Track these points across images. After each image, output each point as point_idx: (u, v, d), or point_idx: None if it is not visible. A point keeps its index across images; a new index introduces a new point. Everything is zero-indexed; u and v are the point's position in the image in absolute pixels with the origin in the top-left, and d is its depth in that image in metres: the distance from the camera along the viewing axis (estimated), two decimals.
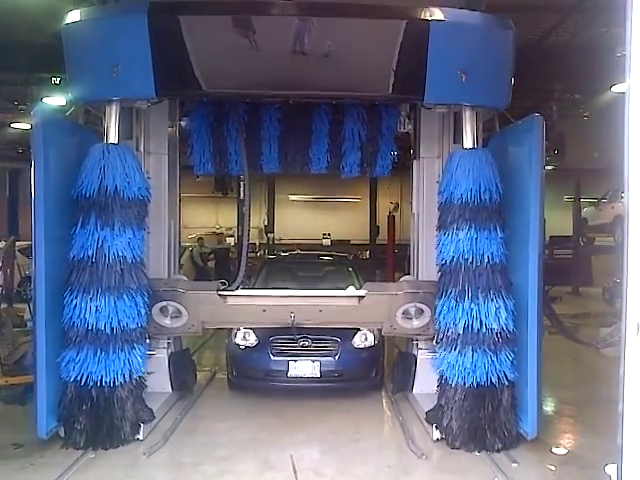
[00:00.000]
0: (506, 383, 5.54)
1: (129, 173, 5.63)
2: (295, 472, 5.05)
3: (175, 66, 5.49)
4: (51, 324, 5.38)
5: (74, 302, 5.43)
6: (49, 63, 10.05)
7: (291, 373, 6.86)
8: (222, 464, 5.22)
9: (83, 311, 5.40)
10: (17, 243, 13.52)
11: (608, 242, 15.87)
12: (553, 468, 5.21)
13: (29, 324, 9.57)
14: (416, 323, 6.42)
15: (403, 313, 6.41)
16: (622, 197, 2.79)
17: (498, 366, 5.49)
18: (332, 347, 7.00)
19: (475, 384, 5.49)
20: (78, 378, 5.42)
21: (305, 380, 6.91)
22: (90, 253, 5.44)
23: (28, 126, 16.00)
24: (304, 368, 6.87)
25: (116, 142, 5.72)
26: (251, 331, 7.16)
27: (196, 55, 5.43)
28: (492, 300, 5.48)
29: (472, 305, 5.49)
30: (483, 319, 5.46)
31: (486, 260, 5.53)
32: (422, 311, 6.36)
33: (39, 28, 9.24)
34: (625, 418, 2.62)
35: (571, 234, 20.12)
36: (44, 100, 12.39)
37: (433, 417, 5.83)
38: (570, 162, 15.01)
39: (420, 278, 6.99)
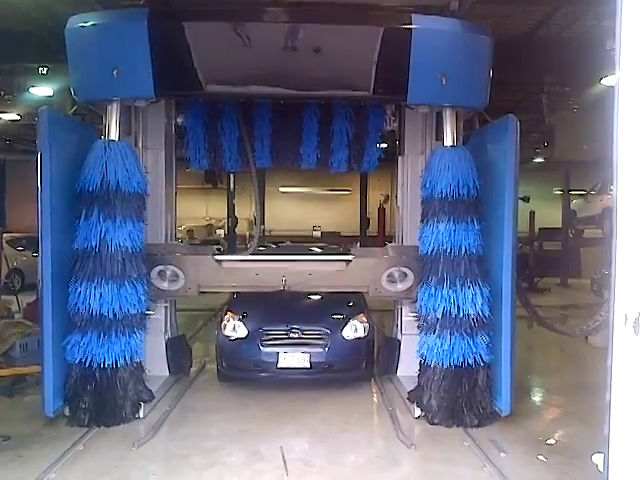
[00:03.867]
0: (482, 364, 5.93)
1: (129, 168, 5.96)
2: (285, 463, 5.06)
3: (173, 68, 5.85)
4: (56, 310, 5.67)
5: (78, 290, 5.75)
6: (35, 53, 9.94)
7: (281, 364, 6.86)
8: (211, 455, 5.22)
9: (87, 298, 5.73)
10: (4, 235, 13.41)
11: (597, 234, 16.00)
12: (541, 458, 5.26)
13: (17, 316, 9.54)
14: (400, 286, 6.82)
15: (388, 277, 6.80)
16: (611, 189, 2.80)
17: (474, 348, 5.87)
18: (322, 338, 7.00)
19: (453, 365, 5.89)
20: (83, 360, 5.76)
21: (295, 371, 6.91)
22: (94, 244, 5.77)
23: (15, 116, 15.93)
24: (294, 359, 6.86)
25: (117, 139, 6.06)
26: (241, 322, 7.16)
27: (193, 58, 5.76)
28: (469, 287, 5.88)
29: (450, 292, 5.89)
30: (460, 305, 5.86)
31: (464, 250, 5.92)
32: (406, 275, 6.75)
33: (25, 17, 9.13)
34: (612, 408, 2.64)
35: (560, 226, 20.23)
36: (30, 90, 12.24)
37: (414, 396, 6.22)
38: (560, 154, 15.08)
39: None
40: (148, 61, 5.64)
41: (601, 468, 2.71)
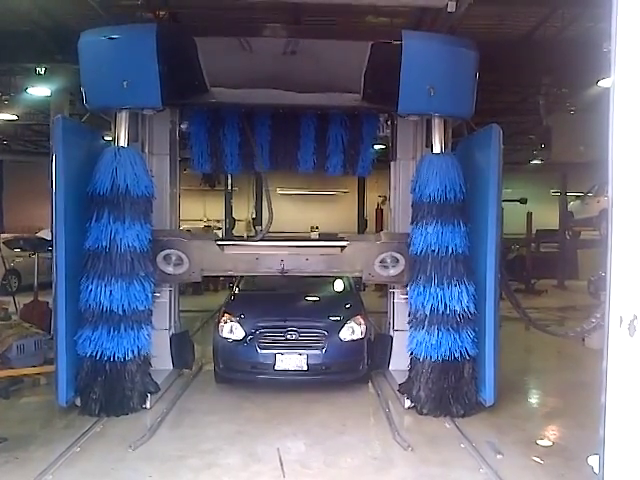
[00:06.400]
0: (467, 358, 6.30)
1: (138, 173, 6.37)
2: (281, 465, 5.06)
3: (179, 79, 6.25)
4: (69, 306, 6.00)
5: (90, 287, 6.12)
6: (33, 53, 9.91)
7: (278, 366, 6.87)
8: (208, 457, 5.21)
9: (98, 295, 6.10)
10: (1, 235, 13.41)
11: (594, 236, 16.01)
12: (538, 459, 5.26)
13: (13, 317, 9.51)
14: (392, 271, 7.12)
15: (380, 262, 7.11)
16: (607, 191, 2.80)
17: (460, 343, 6.26)
18: (319, 340, 7.01)
19: (440, 359, 6.27)
20: (93, 354, 6.13)
21: (292, 373, 6.92)
22: (104, 244, 6.15)
23: (12, 117, 15.87)
24: (291, 361, 6.87)
25: (126, 145, 6.47)
26: (238, 324, 7.17)
27: (198, 69, 6.21)
28: (455, 286, 6.27)
29: (438, 290, 6.28)
30: (447, 302, 6.25)
31: (450, 251, 6.30)
32: (397, 260, 7.07)
33: (23, 18, 9.11)
34: (607, 410, 2.64)
35: (557, 228, 20.24)
36: (28, 90, 12.20)
37: (405, 388, 6.62)
38: (557, 156, 15.08)
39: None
40: (156, 73, 6.01)
41: (597, 470, 2.71)
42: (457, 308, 6.24)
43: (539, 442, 5.72)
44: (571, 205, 18.75)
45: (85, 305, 6.14)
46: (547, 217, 20.91)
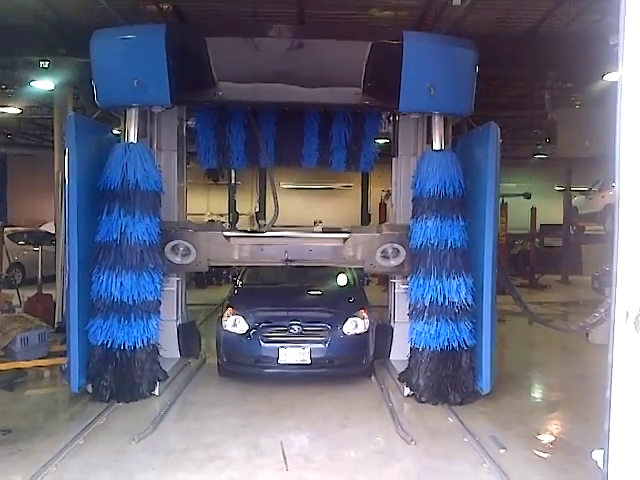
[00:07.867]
0: (465, 348, 6.49)
1: (147, 168, 6.56)
2: (285, 458, 5.06)
3: (187, 77, 6.41)
4: (81, 297, 6.22)
5: (101, 278, 6.33)
6: (37, 46, 9.91)
7: (281, 360, 6.87)
8: (211, 450, 5.22)
9: (109, 286, 6.32)
10: (5, 229, 13.41)
11: (598, 231, 15.97)
12: (541, 454, 5.26)
13: (18, 310, 9.54)
14: (393, 262, 7.35)
15: (382, 252, 7.32)
16: (613, 186, 2.79)
17: (458, 333, 6.43)
18: (322, 334, 7.01)
19: (439, 348, 6.47)
20: (105, 342, 6.34)
21: (295, 367, 6.93)
22: (115, 237, 6.36)
23: (16, 110, 15.88)
24: (294, 355, 6.88)
25: (135, 141, 6.65)
26: (241, 318, 7.18)
27: (206, 67, 6.37)
28: (454, 278, 6.46)
29: (437, 282, 6.47)
30: (446, 294, 6.44)
31: (449, 245, 6.49)
32: (398, 251, 7.27)
33: (27, 11, 9.10)
34: (612, 404, 2.63)
35: (561, 223, 20.19)
36: (32, 84, 12.21)
37: (404, 377, 6.82)
38: (561, 151, 15.03)
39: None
40: (165, 71, 6.18)
41: (601, 465, 2.71)
42: (455, 300, 6.43)
43: (542, 436, 5.73)
44: (576, 200, 18.68)
45: (97, 296, 6.34)
46: (551, 212, 20.85)
